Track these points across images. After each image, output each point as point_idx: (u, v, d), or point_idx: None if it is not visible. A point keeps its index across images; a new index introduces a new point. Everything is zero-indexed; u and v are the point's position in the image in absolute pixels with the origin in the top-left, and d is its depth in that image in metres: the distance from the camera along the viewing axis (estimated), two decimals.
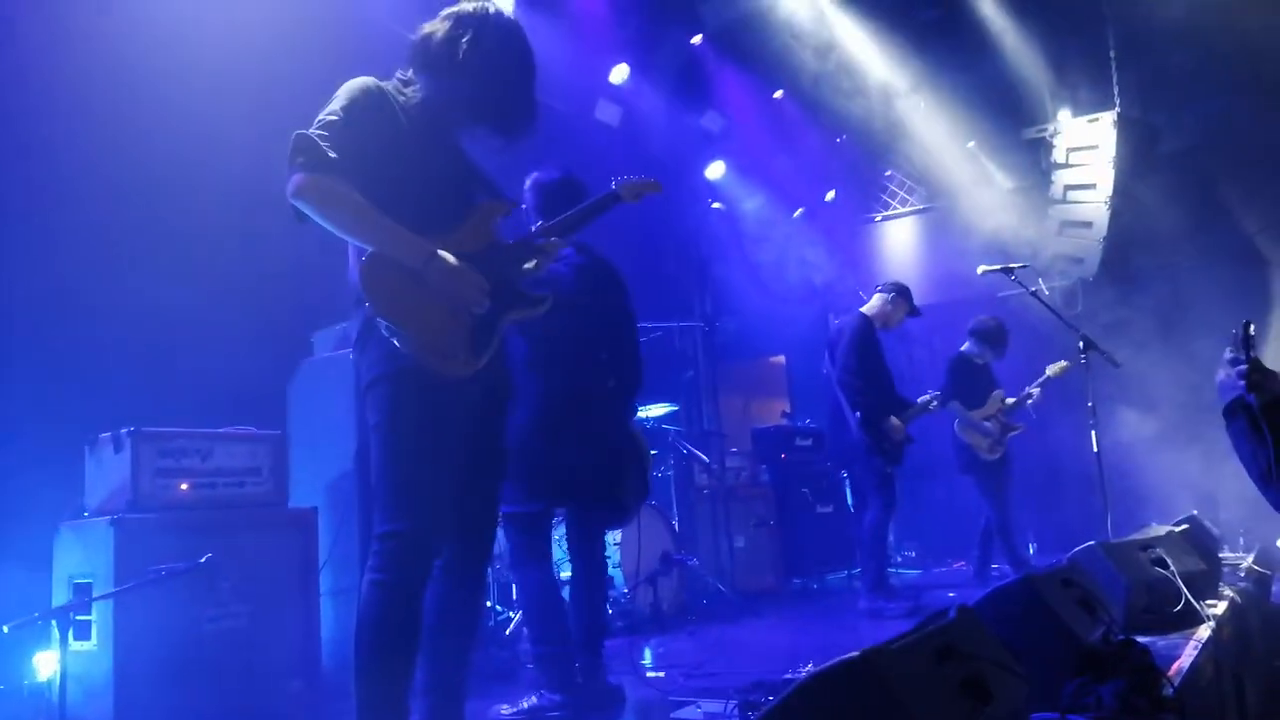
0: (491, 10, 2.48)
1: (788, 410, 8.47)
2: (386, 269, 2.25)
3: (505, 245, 2.53)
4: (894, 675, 1.39)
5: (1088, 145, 7.66)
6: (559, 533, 4.42)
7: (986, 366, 6.52)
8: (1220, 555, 3.96)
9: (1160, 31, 7.11)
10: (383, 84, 2.42)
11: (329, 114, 2.29)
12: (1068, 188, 7.77)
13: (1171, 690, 2.11)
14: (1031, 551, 7.30)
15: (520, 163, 3.43)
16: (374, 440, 2.33)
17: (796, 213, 8.95)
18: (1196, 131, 7.69)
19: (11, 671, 3.32)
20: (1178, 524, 3.94)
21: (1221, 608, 3.19)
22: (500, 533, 3.34)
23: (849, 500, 7.36)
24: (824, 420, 6.06)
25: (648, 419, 6.24)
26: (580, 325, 3.40)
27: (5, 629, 2.82)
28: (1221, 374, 2.40)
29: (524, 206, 3.51)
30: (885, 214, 9.44)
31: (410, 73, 2.48)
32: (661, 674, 3.92)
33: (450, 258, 2.28)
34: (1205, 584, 3.30)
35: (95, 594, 3.13)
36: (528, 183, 3.62)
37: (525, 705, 3.27)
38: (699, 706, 3.11)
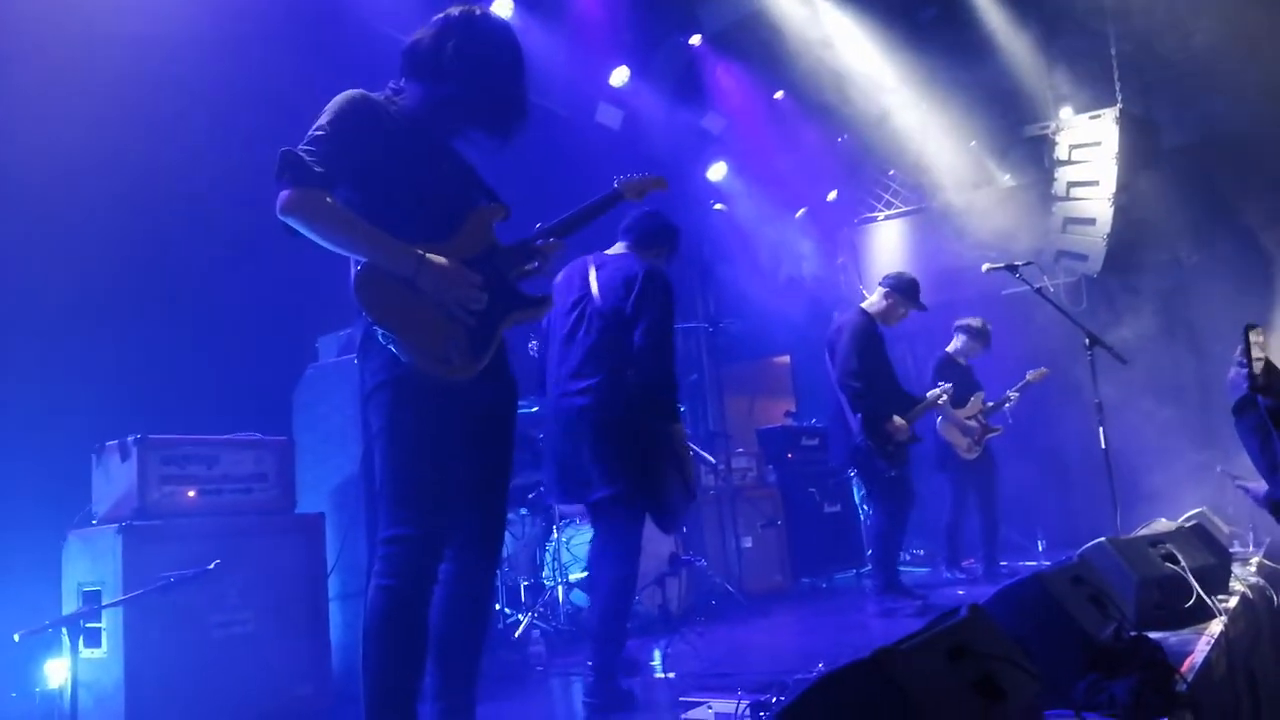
0: (478, 12, 2.48)
1: (793, 410, 8.46)
2: (380, 278, 2.26)
3: (505, 248, 2.53)
4: (906, 675, 1.39)
5: (1090, 142, 7.64)
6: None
7: (969, 368, 6.55)
8: (1230, 550, 3.95)
9: (1162, 26, 7.10)
10: (372, 95, 2.43)
11: (316, 129, 2.30)
12: (1071, 185, 7.75)
13: (1184, 686, 2.10)
14: (1040, 549, 7.29)
15: (521, 167, 3.43)
16: (377, 446, 2.33)
17: (799, 213, 8.95)
18: (1199, 127, 7.68)
19: (23, 679, 3.33)
20: (1187, 520, 3.93)
21: (1233, 603, 3.18)
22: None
23: (856, 499, 7.36)
24: (828, 420, 6.06)
25: None
26: None
27: (16, 637, 2.82)
28: (1232, 372, 2.40)
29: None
30: (888, 213, 9.43)
31: (401, 81, 2.48)
32: (671, 675, 3.91)
33: (440, 260, 2.29)
34: (1216, 579, 3.29)
35: (104, 601, 3.13)
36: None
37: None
38: (710, 707, 3.10)
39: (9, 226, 3.84)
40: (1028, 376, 6.44)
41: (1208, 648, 2.58)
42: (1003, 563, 6.35)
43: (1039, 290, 5.18)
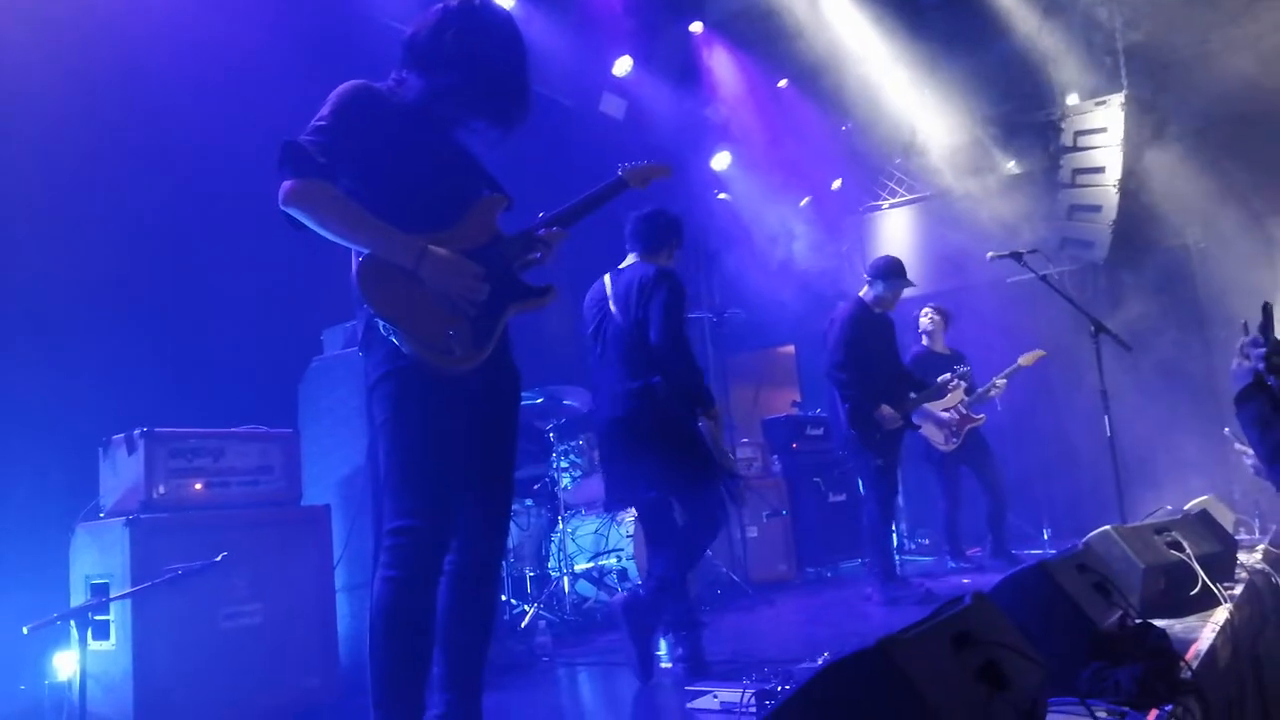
0: (478, 1, 2.47)
1: (798, 400, 8.45)
2: (381, 269, 2.26)
3: (508, 238, 2.53)
4: (911, 663, 1.39)
5: (1096, 128, 7.61)
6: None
7: (950, 355, 6.53)
8: (1236, 538, 3.94)
9: (1168, 10, 7.06)
10: (374, 85, 2.42)
11: (318, 119, 2.30)
12: (1076, 171, 7.72)
13: (1189, 673, 2.10)
14: (1045, 536, 7.29)
15: (525, 157, 3.43)
16: (381, 438, 2.33)
17: (803, 201, 8.92)
18: (1206, 113, 7.63)
19: (32, 671, 3.34)
20: (1192, 507, 3.92)
21: (1238, 590, 3.17)
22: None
23: (861, 489, 7.35)
24: (828, 410, 6.09)
25: None
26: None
27: (25, 630, 2.84)
28: (1235, 362, 2.38)
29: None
30: (892, 201, 9.40)
31: (402, 72, 2.48)
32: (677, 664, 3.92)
33: (442, 251, 2.29)
34: (1221, 567, 3.28)
35: (112, 594, 3.14)
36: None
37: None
38: (715, 696, 3.11)
39: (15, 221, 3.85)
40: (1019, 361, 6.38)
41: (1213, 635, 2.58)
42: (1013, 551, 6.30)
43: (1044, 278, 5.16)
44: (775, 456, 7.15)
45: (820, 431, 7.27)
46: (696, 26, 7.86)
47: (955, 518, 6.57)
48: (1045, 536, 7.28)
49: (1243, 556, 3.71)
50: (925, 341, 6.67)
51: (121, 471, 3.45)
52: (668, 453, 3.69)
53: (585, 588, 5.24)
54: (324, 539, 3.76)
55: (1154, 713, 1.88)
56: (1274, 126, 7.12)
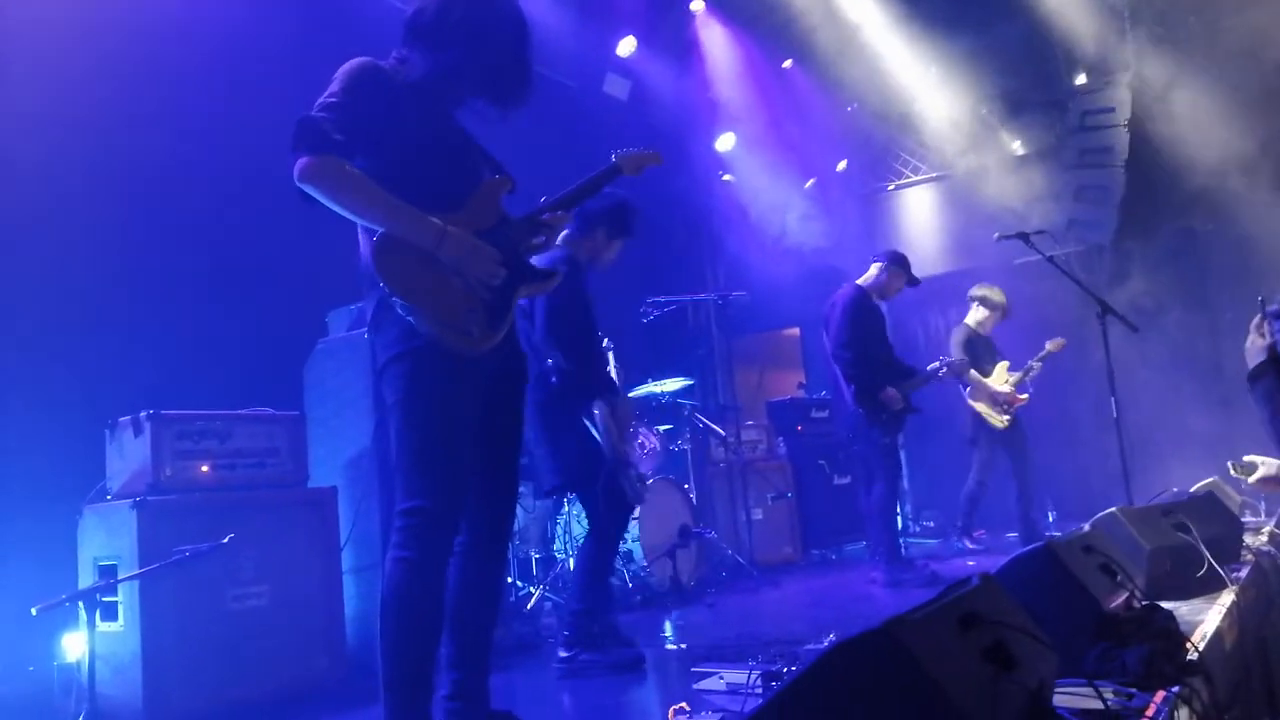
0: None
1: (803, 382, 8.45)
2: (399, 249, 2.24)
3: (514, 221, 2.52)
4: (917, 644, 1.38)
5: (1103, 108, 7.55)
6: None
7: (989, 338, 6.52)
8: (1242, 520, 3.94)
9: None
10: (380, 63, 2.40)
11: (329, 95, 2.27)
12: (1083, 152, 7.68)
13: (1196, 655, 2.10)
14: (1052, 519, 7.28)
15: (530, 138, 3.41)
16: (393, 419, 2.32)
17: (808, 183, 8.88)
18: (1213, 94, 7.56)
19: (41, 653, 3.37)
20: (1199, 489, 3.91)
21: (1244, 572, 3.17)
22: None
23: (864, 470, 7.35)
24: (830, 392, 6.07)
25: (663, 394, 6.24)
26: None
27: (34, 611, 2.86)
28: (1250, 339, 2.37)
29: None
30: (898, 183, 9.35)
31: (405, 51, 2.45)
32: (683, 645, 3.94)
33: (462, 233, 2.28)
34: (1228, 548, 3.28)
35: (120, 576, 3.16)
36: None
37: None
38: (721, 677, 3.12)
39: (21, 205, 3.84)
40: (1047, 346, 6.38)
41: (1219, 617, 2.58)
42: (1046, 534, 6.28)
43: (1051, 259, 5.14)
44: (780, 439, 7.15)
45: (825, 414, 7.27)
46: (699, 6, 7.80)
47: (979, 498, 6.54)
48: (1051, 519, 7.28)
49: (1249, 538, 3.71)
50: (979, 319, 6.60)
51: (128, 454, 3.46)
52: (558, 443, 3.69)
53: None
54: (330, 521, 3.77)
55: (1160, 694, 1.88)
56: None
